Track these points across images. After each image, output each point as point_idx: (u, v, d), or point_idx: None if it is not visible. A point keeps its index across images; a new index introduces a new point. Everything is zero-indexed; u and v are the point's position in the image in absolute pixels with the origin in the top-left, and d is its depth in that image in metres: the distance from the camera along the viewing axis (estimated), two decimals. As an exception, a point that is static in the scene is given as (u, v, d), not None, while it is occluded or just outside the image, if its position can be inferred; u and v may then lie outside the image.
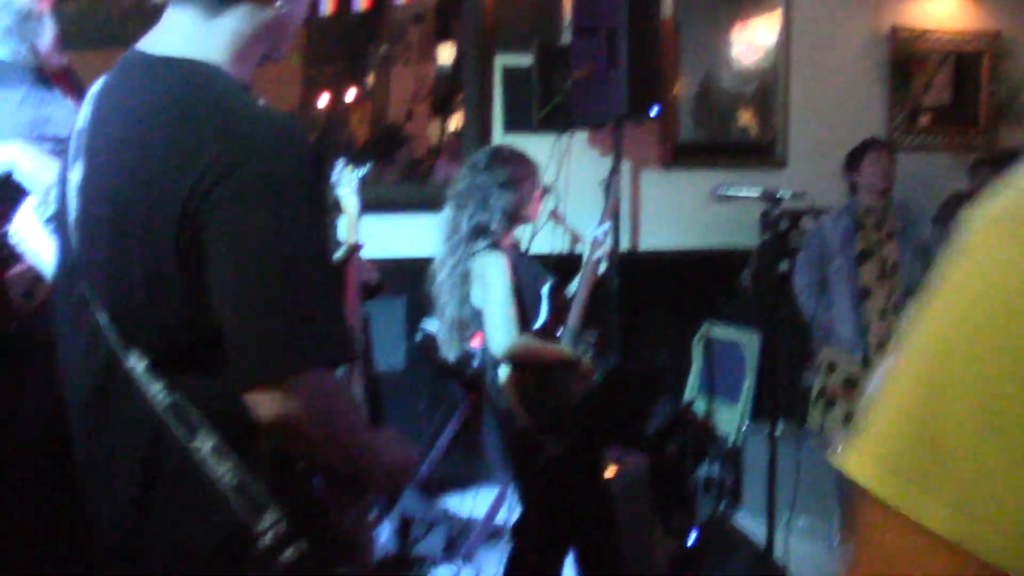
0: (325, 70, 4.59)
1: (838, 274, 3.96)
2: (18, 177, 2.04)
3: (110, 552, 1.35)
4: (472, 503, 3.92)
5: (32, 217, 2.02)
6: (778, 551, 3.20)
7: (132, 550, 1.30)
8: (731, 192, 3.22)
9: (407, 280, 4.49)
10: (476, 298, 2.86)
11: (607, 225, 3.17)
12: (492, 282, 2.77)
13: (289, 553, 1.23)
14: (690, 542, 2.80)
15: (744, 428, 4.12)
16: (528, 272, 2.92)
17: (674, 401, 4.52)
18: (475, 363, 3.12)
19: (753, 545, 3.07)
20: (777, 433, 3.66)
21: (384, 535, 3.50)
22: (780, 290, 4.32)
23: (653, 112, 4.14)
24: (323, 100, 4.36)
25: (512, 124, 4.55)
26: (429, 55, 4.71)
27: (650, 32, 4.14)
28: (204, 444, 1.23)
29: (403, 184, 4.56)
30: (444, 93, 4.61)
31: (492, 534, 3.71)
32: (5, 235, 2.03)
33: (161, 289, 1.20)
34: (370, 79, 4.50)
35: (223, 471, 1.22)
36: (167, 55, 1.28)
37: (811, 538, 3.72)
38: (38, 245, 2.02)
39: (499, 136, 4.56)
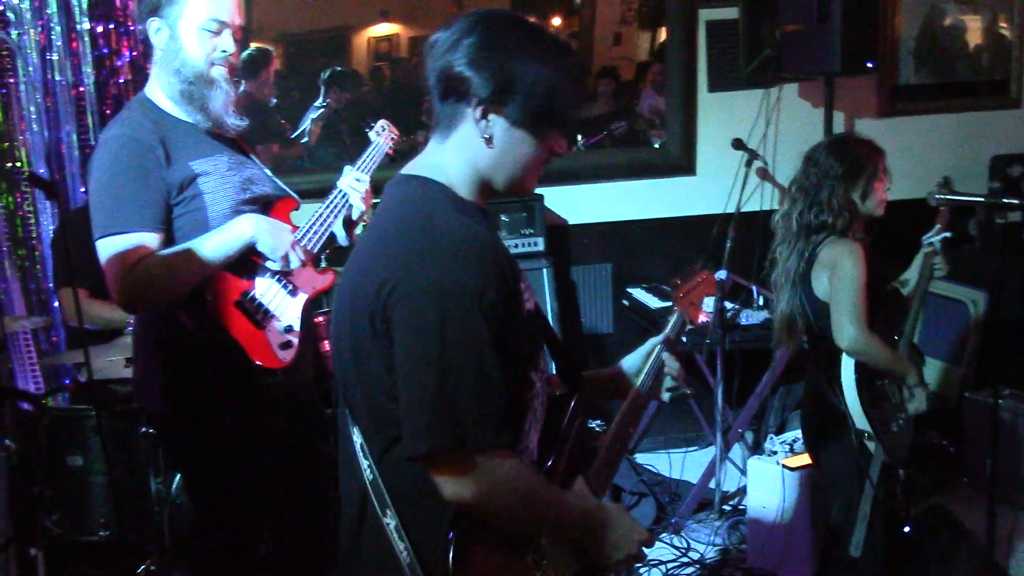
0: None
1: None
2: (260, 247, 2.23)
3: (341, 556, 1.62)
4: (680, 466, 4.01)
5: (271, 280, 2.27)
6: (1000, 530, 3.09)
7: (349, 562, 1.59)
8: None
9: (614, 246, 4.58)
10: (820, 289, 2.72)
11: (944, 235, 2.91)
12: (845, 270, 2.63)
13: None
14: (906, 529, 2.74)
15: (965, 394, 3.93)
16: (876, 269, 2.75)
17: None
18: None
19: (973, 537, 2.98)
20: (1001, 402, 3.51)
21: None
22: (1009, 243, 4.07)
23: (869, 65, 3.94)
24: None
25: (717, 81, 4.47)
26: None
27: (865, -22, 3.93)
28: (391, 521, 1.46)
29: (615, 151, 4.58)
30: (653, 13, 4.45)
31: (702, 505, 3.75)
32: (254, 299, 2.25)
33: (362, 371, 1.45)
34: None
35: (402, 547, 1.44)
36: (410, 173, 1.50)
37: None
38: (282, 304, 2.27)
39: (703, 94, 4.50)
